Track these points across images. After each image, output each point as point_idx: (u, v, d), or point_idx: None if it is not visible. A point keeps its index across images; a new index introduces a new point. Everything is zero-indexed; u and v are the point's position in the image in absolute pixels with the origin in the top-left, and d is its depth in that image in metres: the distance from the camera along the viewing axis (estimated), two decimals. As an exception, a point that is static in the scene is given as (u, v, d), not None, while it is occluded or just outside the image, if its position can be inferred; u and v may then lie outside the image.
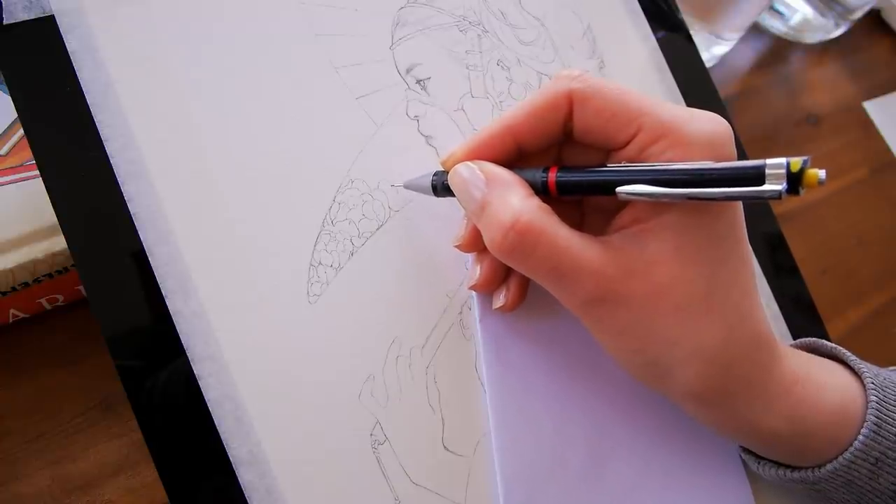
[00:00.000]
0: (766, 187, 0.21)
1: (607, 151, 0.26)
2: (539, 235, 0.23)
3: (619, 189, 0.23)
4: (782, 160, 0.20)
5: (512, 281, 0.28)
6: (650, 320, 0.24)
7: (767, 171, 0.21)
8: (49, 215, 0.27)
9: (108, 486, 0.30)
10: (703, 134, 0.24)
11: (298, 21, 0.30)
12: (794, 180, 0.20)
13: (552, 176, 0.25)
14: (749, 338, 0.25)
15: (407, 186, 0.29)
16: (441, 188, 0.27)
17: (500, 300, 0.28)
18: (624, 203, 0.25)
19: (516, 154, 0.26)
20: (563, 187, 0.25)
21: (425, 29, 0.32)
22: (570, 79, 0.25)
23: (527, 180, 0.25)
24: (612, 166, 0.24)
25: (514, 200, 0.24)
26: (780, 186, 0.20)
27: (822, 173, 0.20)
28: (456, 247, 0.28)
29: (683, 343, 0.24)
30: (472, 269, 0.29)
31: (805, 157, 0.20)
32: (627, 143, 0.25)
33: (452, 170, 0.26)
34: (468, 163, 0.26)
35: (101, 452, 0.31)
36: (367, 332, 0.27)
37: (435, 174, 0.28)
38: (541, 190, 0.25)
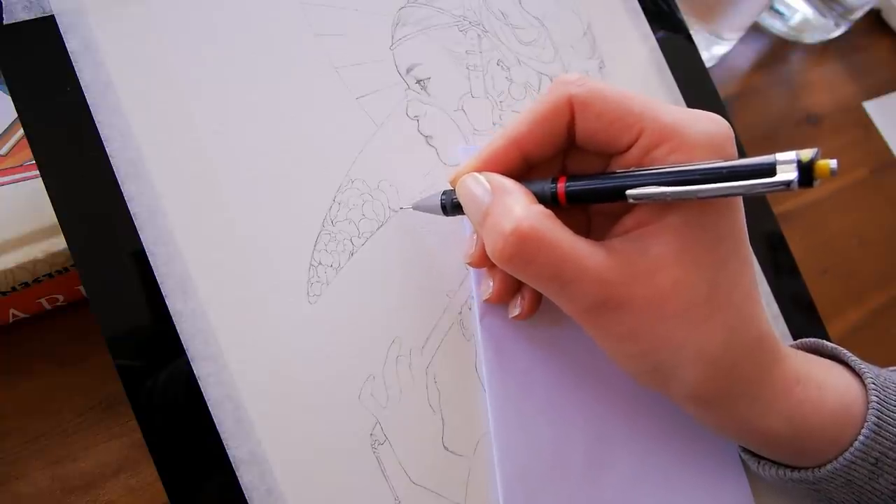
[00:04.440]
0: (777, 178, 0.21)
1: (610, 157, 0.26)
2: (540, 241, 0.23)
3: (629, 192, 0.23)
4: (792, 153, 0.20)
5: (526, 290, 0.28)
6: (653, 325, 0.24)
7: (778, 165, 0.21)
8: (49, 215, 0.27)
9: (108, 486, 0.30)
10: (705, 136, 0.24)
11: (298, 21, 0.30)
12: (806, 172, 0.20)
13: (561, 186, 0.25)
14: (751, 339, 0.25)
15: (416, 208, 0.29)
16: (450, 207, 0.27)
17: (515, 309, 0.28)
18: (629, 207, 0.25)
19: (523, 166, 0.26)
20: (572, 196, 0.25)
21: (425, 29, 0.32)
22: (570, 84, 0.25)
23: (535, 192, 0.25)
24: (620, 171, 0.24)
25: (516, 207, 0.24)
26: (791, 176, 0.20)
27: (833, 163, 0.20)
28: (467, 263, 0.28)
29: (686, 346, 0.24)
30: (484, 282, 0.29)
31: (815, 149, 0.20)
32: (630, 147, 0.24)
33: (459, 181, 0.26)
34: (474, 173, 0.26)
35: (101, 452, 0.31)
36: (367, 332, 0.27)
37: (443, 193, 0.28)
38: (550, 200, 0.25)
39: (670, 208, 0.24)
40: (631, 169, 0.24)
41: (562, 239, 0.23)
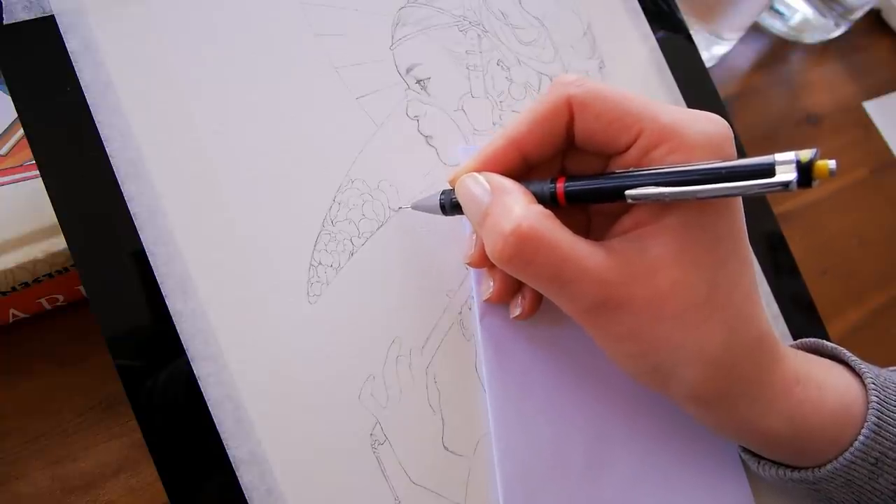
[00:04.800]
0: (776, 179, 0.21)
1: (609, 157, 0.26)
2: (540, 242, 0.23)
3: (628, 192, 0.23)
4: (791, 154, 0.20)
5: (526, 289, 0.28)
6: (653, 325, 0.24)
7: (777, 166, 0.21)
8: (49, 215, 0.27)
9: (108, 486, 0.30)
10: (704, 136, 0.24)
11: (298, 21, 0.30)
12: (805, 172, 0.20)
13: (560, 186, 0.25)
14: (750, 339, 0.25)
15: (415, 208, 0.29)
16: (449, 206, 0.27)
17: (516, 310, 0.28)
18: (628, 207, 0.25)
19: (522, 166, 0.26)
20: (572, 196, 0.25)
21: (425, 29, 0.32)
22: (569, 84, 0.25)
23: (535, 193, 0.25)
24: (619, 171, 0.24)
25: (515, 208, 0.24)
26: (791, 176, 0.20)
27: (832, 164, 0.20)
28: (467, 264, 0.28)
29: (686, 346, 0.24)
30: (484, 282, 0.29)
31: (814, 149, 0.20)
32: (629, 148, 0.24)
33: (459, 181, 0.26)
34: (474, 174, 0.26)
35: (101, 452, 0.31)
36: (367, 332, 0.27)
37: (442, 193, 0.28)
38: (549, 200, 0.25)
39: (669, 208, 0.24)
40: (630, 169, 0.24)
41: (561, 239, 0.23)
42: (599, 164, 0.27)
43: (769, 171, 0.21)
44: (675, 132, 0.23)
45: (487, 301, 0.28)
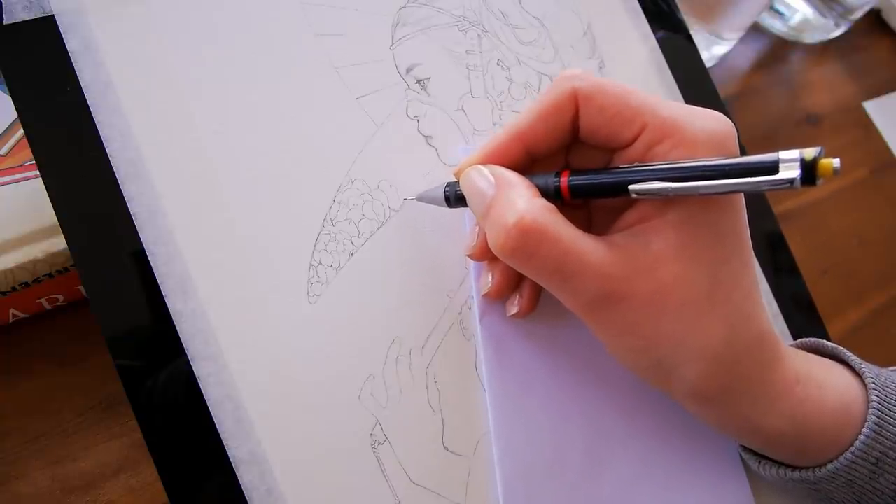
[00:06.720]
0: (780, 176, 0.20)
1: (612, 151, 0.26)
2: (543, 235, 0.23)
3: (632, 187, 0.23)
4: (795, 152, 0.20)
5: (525, 286, 0.28)
6: (654, 319, 0.24)
7: (781, 164, 0.21)
8: (49, 215, 0.27)
9: (108, 486, 0.30)
10: (707, 132, 0.24)
11: (298, 21, 0.30)
12: (809, 170, 0.20)
13: (564, 180, 0.25)
14: (751, 337, 0.25)
15: (420, 199, 0.29)
16: (454, 199, 0.27)
17: (513, 307, 0.28)
18: (631, 202, 0.25)
19: (526, 160, 0.26)
20: (576, 191, 0.25)
21: (425, 29, 0.32)
22: (574, 78, 0.25)
23: (539, 186, 0.25)
24: (623, 166, 0.24)
25: (519, 201, 0.24)
26: (794, 174, 0.20)
27: (836, 162, 0.20)
28: (468, 255, 0.28)
29: (687, 342, 0.24)
30: (483, 276, 0.29)
31: (818, 147, 0.20)
32: (632, 142, 0.25)
33: (464, 174, 0.26)
34: (479, 166, 0.26)
35: (101, 452, 0.31)
36: (367, 332, 0.27)
37: (447, 185, 0.28)
38: (553, 194, 0.25)
39: (672, 204, 0.24)
40: (634, 164, 0.24)
41: (564, 233, 0.23)
42: (603, 159, 0.27)
43: (773, 168, 0.21)
44: (678, 127, 0.24)
45: (486, 296, 0.28)
